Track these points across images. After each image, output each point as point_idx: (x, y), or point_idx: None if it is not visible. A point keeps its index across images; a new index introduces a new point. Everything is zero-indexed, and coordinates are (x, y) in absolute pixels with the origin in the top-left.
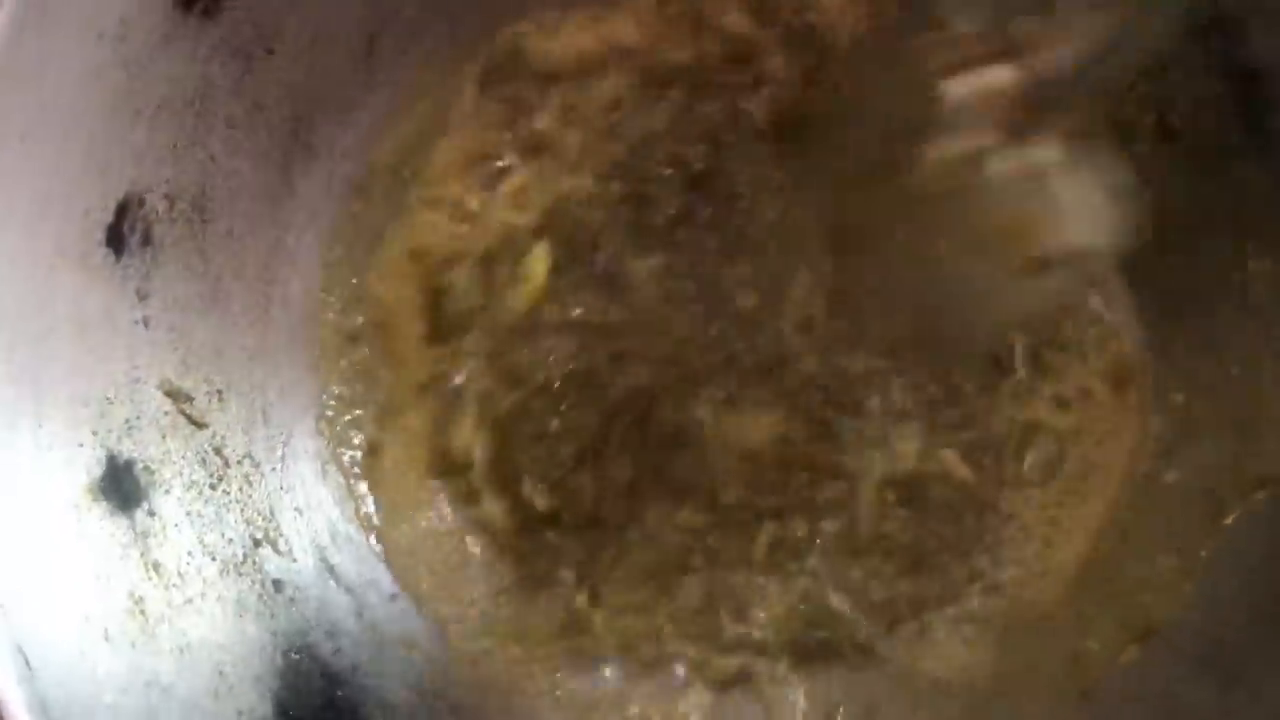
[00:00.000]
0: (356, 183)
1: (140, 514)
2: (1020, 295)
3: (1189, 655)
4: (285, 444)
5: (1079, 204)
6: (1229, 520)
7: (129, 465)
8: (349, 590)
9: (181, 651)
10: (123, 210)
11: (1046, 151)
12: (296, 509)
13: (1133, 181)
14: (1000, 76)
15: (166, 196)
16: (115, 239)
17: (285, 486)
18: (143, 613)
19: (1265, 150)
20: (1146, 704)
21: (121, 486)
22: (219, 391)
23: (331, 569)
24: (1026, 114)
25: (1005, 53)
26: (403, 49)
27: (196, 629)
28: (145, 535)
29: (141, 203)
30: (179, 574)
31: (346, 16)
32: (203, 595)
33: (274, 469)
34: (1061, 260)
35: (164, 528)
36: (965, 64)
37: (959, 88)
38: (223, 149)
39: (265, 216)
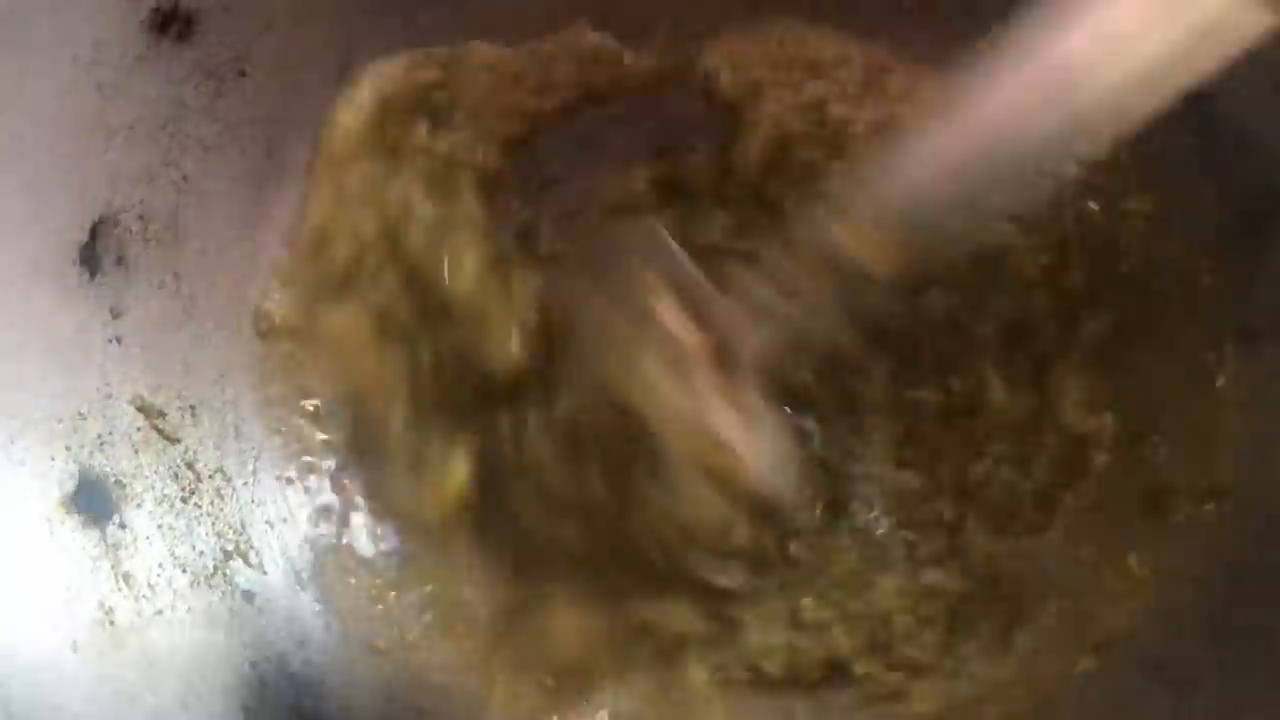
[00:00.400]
0: None
1: (111, 527)
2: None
3: (1144, 666)
4: (256, 458)
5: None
6: (1180, 532)
7: (101, 480)
8: (318, 601)
9: (150, 662)
10: (96, 230)
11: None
12: (267, 522)
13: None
14: (694, 336)
15: (140, 217)
16: (89, 258)
17: (256, 500)
18: (112, 623)
19: (1218, 171)
20: (1102, 716)
21: (93, 500)
22: (191, 407)
23: (301, 580)
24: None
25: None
26: (374, 71)
27: (166, 639)
28: (116, 548)
29: (115, 222)
30: (149, 585)
31: (319, 39)
32: (173, 606)
33: (245, 483)
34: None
35: (135, 540)
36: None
37: (670, 320)
38: (196, 170)
39: (238, 236)
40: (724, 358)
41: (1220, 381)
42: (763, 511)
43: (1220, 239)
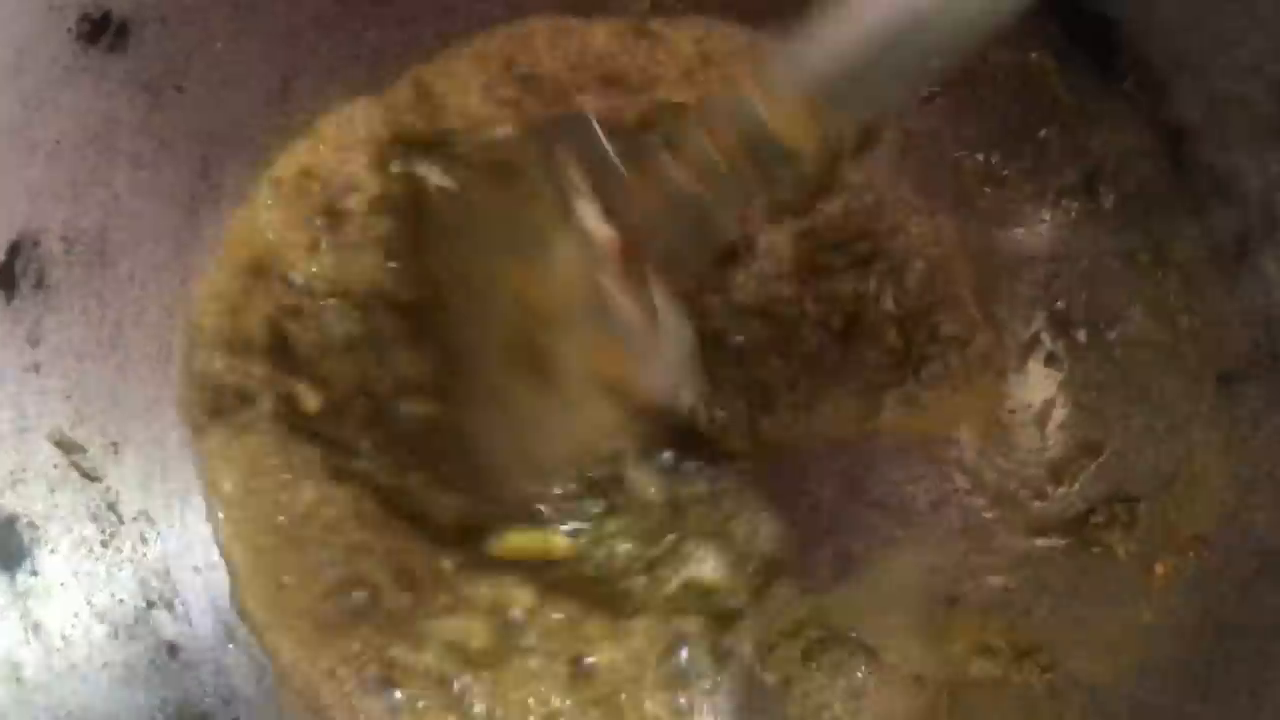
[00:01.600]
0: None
1: (21, 573)
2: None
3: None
4: (184, 500)
5: (656, 359)
6: (1162, 585)
7: (11, 520)
8: (249, 653)
9: None
10: (15, 250)
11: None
12: (195, 568)
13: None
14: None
15: (64, 238)
16: (6, 280)
17: (184, 545)
18: (18, 680)
19: (1191, 203)
20: None
21: (3, 543)
22: (114, 444)
23: (231, 631)
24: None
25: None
26: (319, 90)
27: (78, 697)
28: (26, 596)
29: (36, 243)
30: (62, 637)
31: (262, 55)
32: (88, 660)
33: (171, 527)
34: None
35: (48, 588)
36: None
37: (584, 213)
38: (126, 188)
39: (170, 260)
40: (634, 252)
41: (1199, 426)
42: (653, 418)
43: (1196, 279)
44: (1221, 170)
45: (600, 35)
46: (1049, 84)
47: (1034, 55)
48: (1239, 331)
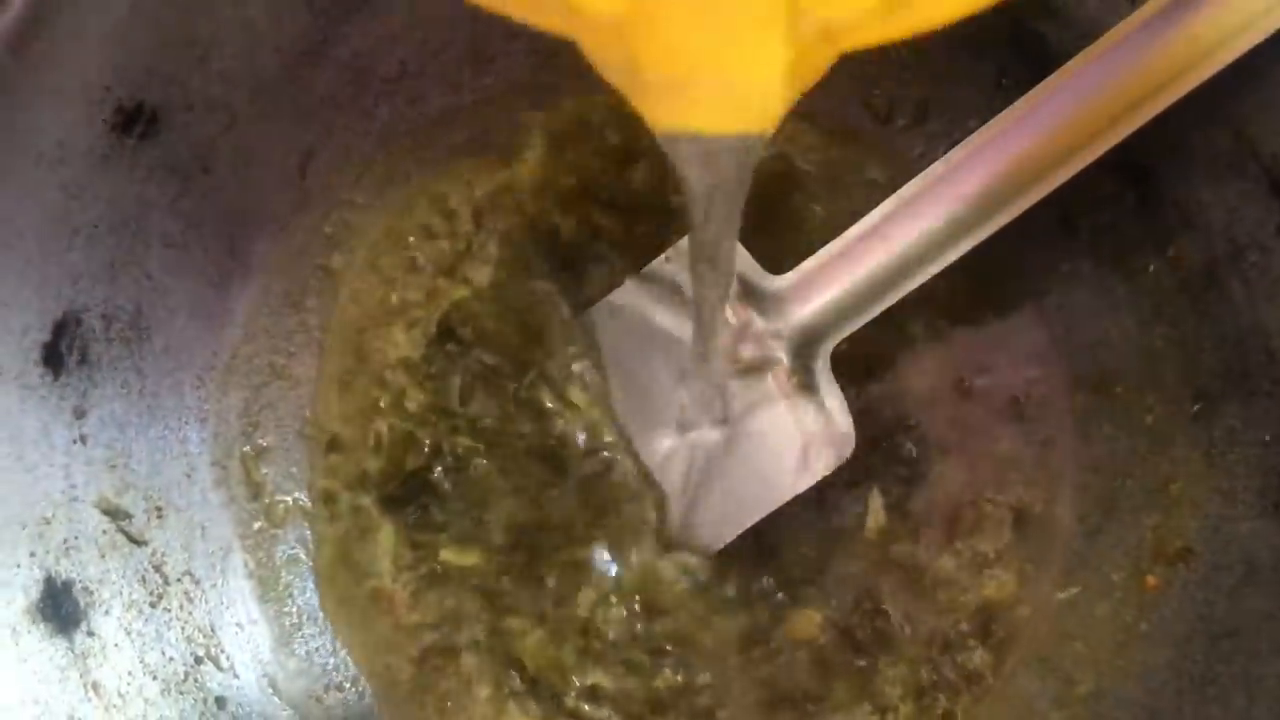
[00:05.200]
0: (292, 297)
1: (80, 635)
2: None
3: None
4: (224, 559)
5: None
6: (1155, 594)
7: (68, 586)
8: (293, 706)
9: None
10: (60, 329)
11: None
12: (238, 624)
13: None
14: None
15: (104, 316)
16: (53, 358)
17: (226, 602)
18: None
19: (1160, 240)
20: None
21: (60, 608)
22: (158, 508)
23: (275, 685)
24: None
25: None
26: (337, 166)
27: None
28: (84, 656)
29: (79, 322)
30: (119, 694)
31: (281, 135)
32: (144, 716)
33: (214, 585)
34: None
35: (104, 648)
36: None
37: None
38: (160, 267)
39: (202, 333)
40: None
41: (1180, 444)
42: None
43: (1168, 306)
44: (1188, 202)
45: None
46: None
47: None
48: (1212, 354)
